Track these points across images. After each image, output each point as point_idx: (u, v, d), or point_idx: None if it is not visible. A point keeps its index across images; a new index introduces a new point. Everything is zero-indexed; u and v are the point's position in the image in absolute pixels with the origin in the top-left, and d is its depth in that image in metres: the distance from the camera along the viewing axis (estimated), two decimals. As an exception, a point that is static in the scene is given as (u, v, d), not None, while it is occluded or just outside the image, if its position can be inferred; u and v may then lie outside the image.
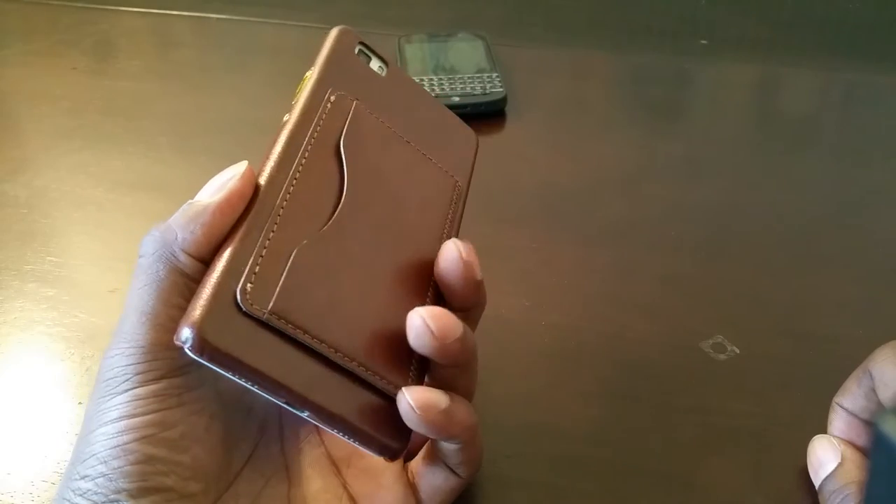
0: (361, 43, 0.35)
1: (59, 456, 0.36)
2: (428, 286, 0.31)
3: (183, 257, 0.27)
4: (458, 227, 0.35)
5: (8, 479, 0.35)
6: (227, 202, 0.27)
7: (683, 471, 0.36)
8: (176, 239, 0.27)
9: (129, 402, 0.26)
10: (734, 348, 0.41)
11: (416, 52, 0.67)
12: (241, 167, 0.28)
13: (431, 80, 0.62)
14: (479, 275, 0.31)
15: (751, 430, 0.37)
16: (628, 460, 0.36)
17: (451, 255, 0.30)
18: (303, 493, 0.30)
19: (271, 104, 0.63)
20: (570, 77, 0.70)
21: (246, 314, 0.26)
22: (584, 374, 0.40)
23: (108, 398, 0.26)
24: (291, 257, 0.28)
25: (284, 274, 0.27)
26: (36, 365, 0.41)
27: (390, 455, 0.29)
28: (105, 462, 0.25)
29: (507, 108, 0.62)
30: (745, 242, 0.49)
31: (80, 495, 0.25)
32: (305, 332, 0.27)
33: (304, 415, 0.27)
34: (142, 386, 0.26)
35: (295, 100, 0.31)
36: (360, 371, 0.28)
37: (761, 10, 0.82)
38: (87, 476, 0.25)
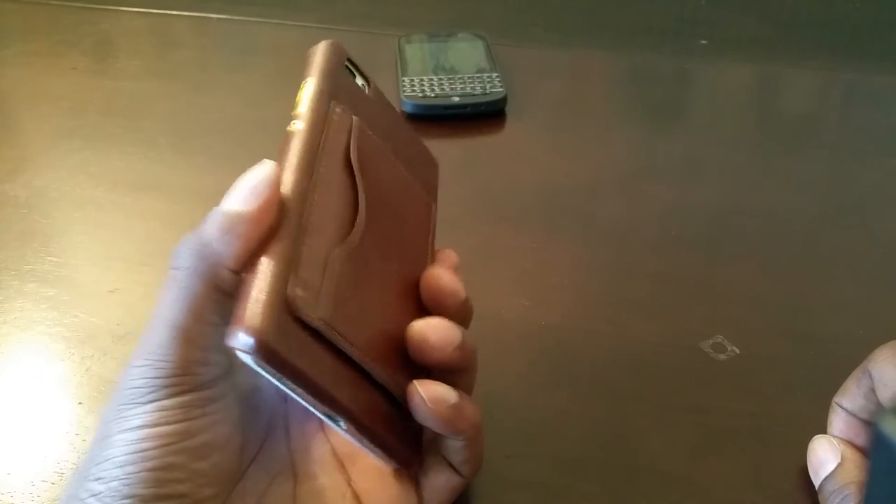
0: (348, 59, 0.35)
1: (59, 456, 0.36)
2: None
3: (222, 272, 0.27)
4: (434, 249, 0.36)
5: (8, 479, 0.35)
6: (261, 211, 0.27)
7: (683, 471, 0.36)
8: (214, 252, 0.27)
9: (153, 412, 0.26)
10: (734, 348, 0.41)
11: (416, 52, 0.67)
12: (268, 171, 0.28)
13: (431, 80, 0.62)
14: (463, 294, 0.32)
15: (751, 430, 0.37)
16: (628, 460, 0.36)
17: (436, 283, 0.31)
18: (308, 490, 0.30)
19: (271, 104, 0.63)
20: (570, 77, 0.70)
21: (297, 320, 0.26)
22: (584, 375, 0.40)
23: (131, 406, 0.26)
24: (327, 266, 0.28)
25: (324, 282, 0.27)
26: (36, 365, 0.41)
27: (408, 464, 0.30)
28: (121, 466, 0.25)
29: (507, 108, 0.62)
30: (744, 242, 0.49)
31: (93, 496, 0.25)
32: (345, 339, 0.27)
33: (339, 424, 0.27)
34: (168, 398, 0.26)
35: (297, 108, 0.31)
36: (385, 380, 0.29)
37: (761, 10, 0.82)
38: (101, 478, 0.25)
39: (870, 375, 0.32)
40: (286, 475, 0.30)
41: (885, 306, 0.44)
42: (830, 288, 0.46)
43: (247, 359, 0.25)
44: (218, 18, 0.78)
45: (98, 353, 0.41)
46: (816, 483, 0.33)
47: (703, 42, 0.74)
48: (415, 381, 0.29)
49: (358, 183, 0.31)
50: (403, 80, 0.62)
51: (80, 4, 0.79)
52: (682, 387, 0.39)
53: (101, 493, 0.25)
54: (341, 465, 0.31)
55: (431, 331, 0.29)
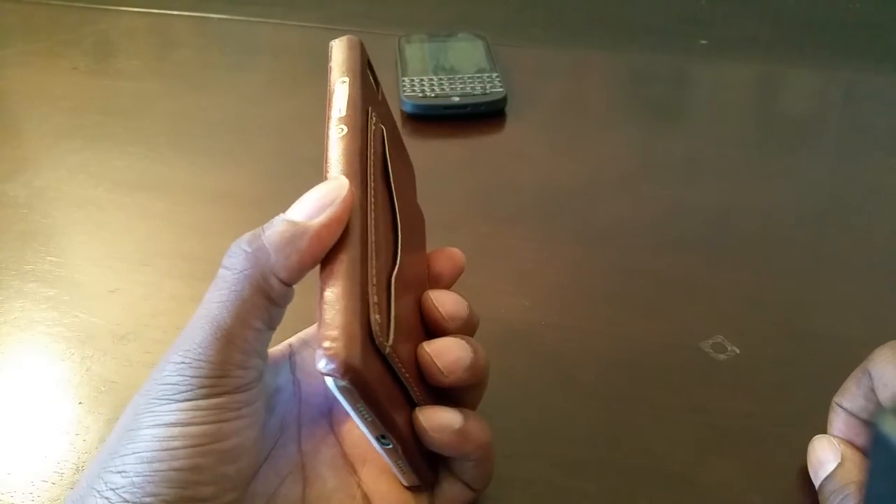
0: (368, 59, 0.33)
1: (59, 456, 0.36)
2: None
3: (273, 281, 0.26)
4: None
5: (8, 479, 0.35)
6: (327, 229, 0.26)
7: (683, 471, 0.36)
8: (269, 261, 0.26)
9: (187, 410, 0.25)
10: (734, 348, 0.41)
11: (416, 52, 0.67)
12: (343, 189, 0.27)
13: (431, 80, 0.62)
14: (465, 313, 0.31)
15: (751, 430, 0.37)
16: (628, 460, 0.36)
17: (438, 307, 0.31)
18: (318, 492, 0.30)
19: (271, 104, 0.64)
20: (570, 77, 0.70)
21: (372, 345, 0.25)
22: (584, 375, 0.40)
23: (164, 402, 0.25)
24: (392, 289, 0.27)
25: (393, 307, 0.27)
26: (36, 365, 0.41)
27: (429, 485, 0.30)
28: (147, 463, 0.24)
29: (507, 108, 0.62)
30: (745, 242, 0.49)
31: (112, 489, 0.24)
32: (401, 364, 0.27)
33: (388, 445, 0.27)
34: (204, 399, 0.25)
35: (334, 109, 0.29)
36: (420, 402, 0.29)
37: (761, 10, 0.82)
38: (123, 472, 0.25)
39: (870, 375, 0.32)
40: (296, 477, 0.30)
41: (885, 306, 0.44)
42: (830, 288, 0.46)
43: (332, 383, 0.24)
44: (218, 18, 0.78)
45: (98, 353, 0.41)
46: (816, 483, 0.33)
47: (703, 42, 0.74)
48: (416, 410, 0.29)
49: (394, 198, 0.30)
50: (403, 80, 0.62)
51: (80, 4, 0.79)
52: (682, 387, 0.39)
53: (121, 487, 0.24)
54: (352, 467, 0.31)
55: (440, 355, 0.29)
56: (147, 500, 0.24)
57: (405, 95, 0.61)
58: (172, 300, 0.44)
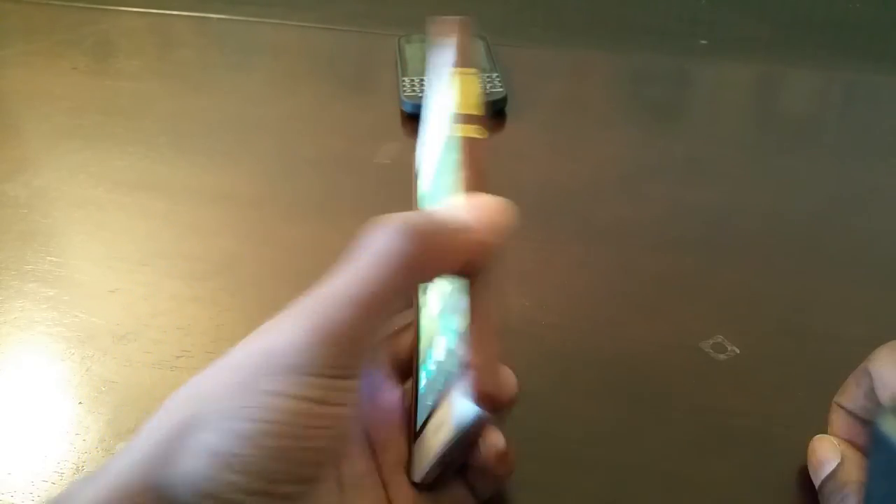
0: None
1: (59, 456, 0.36)
2: None
3: (424, 275, 0.26)
4: None
5: (8, 479, 0.35)
6: (494, 245, 0.26)
7: (683, 470, 0.36)
8: (427, 256, 0.25)
9: (328, 389, 0.23)
10: (734, 348, 0.41)
11: (416, 52, 0.67)
12: (511, 211, 0.27)
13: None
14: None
15: (751, 430, 0.37)
16: (628, 460, 0.36)
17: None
18: (349, 470, 0.30)
19: (271, 103, 0.64)
20: (570, 77, 0.70)
21: None
22: (584, 374, 0.40)
23: (295, 375, 0.23)
24: None
25: None
26: (36, 365, 0.41)
27: (430, 487, 0.31)
28: (274, 436, 0.22)
29: (507, 108, 0.62)
30: (745, 242, 0.49)
31: (234, 472, 0.22)
32: None
33: (446, 452, 0.28)
34: (342, 379, 0.24)
35: (463, 106, 0.28)
36: None
37: (761, 10, 0.82)
38: (241, 435, 0.22)
39: (870, 375, 0.32)
40: (331, 480, 0.29)
41: (885, 306, 0.44)
42: (830, 288, 0.46)
43: (476, 413, 0.24)
44: (218, 18, 0.78)
45: (98, 353, 0.41)
46: (816, 483, 0.33)
47: (703, 42, 0.74)
48: None
49: None
50: (403, 80, 0.62)
51: (80, 4, 0.79)
52: (682, 387, 0.39)
53: (245, 465, 0.22)
54: (373, 451, 0.31)
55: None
56: (259, 480, 0.22)
57: (405, 95, 0.61)
58: (172, 300, 0.44)
